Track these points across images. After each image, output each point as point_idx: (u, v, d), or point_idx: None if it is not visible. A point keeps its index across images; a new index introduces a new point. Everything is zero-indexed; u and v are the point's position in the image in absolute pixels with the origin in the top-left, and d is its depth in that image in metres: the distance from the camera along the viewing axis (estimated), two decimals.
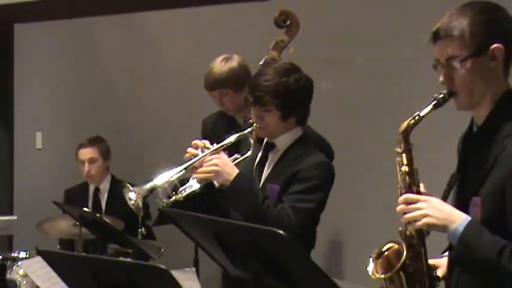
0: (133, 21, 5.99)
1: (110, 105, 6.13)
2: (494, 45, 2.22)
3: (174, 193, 3.14)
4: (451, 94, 2.26)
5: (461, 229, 2.18)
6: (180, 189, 3.14)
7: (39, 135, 6.62)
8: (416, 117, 2.28)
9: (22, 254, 4.25)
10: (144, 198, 3.11)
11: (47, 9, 6.41)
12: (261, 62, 3.61)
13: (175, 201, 3.12)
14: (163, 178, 3.12)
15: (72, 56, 6.40)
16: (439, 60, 2.26)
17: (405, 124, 2.29)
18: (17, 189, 6.84)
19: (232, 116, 3.94)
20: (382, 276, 2.31)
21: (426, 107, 2.27)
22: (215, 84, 3.85)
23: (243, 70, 3.87)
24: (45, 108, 6.57)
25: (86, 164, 4.97)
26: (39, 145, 6.63)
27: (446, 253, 2.43)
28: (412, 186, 2.30)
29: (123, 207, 4.69)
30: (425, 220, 2.20)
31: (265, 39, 4.72)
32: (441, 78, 2.27)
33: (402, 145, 2.31)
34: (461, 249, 2.20)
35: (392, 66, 4.48)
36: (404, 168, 2.31)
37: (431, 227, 2.23)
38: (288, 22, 3.96)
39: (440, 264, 2.41)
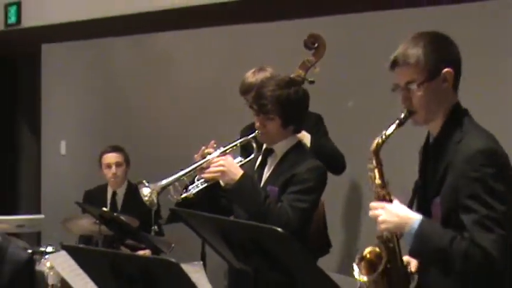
0: (147, 41, 5.98)
1: (126, 117, 6.12)
2: (445, 70, 2.31)
3: (184, 191, 3.14)
4: (410, 113, 2.33)
5: (415, 226, 2.23)
6: (190, 187, 3.15)
7: (63, 143, 6.65)
8: (383, 136, 2.34)
9: (49, 249, 4.23)
10: (158, 194, 3.11)
11: (71, 31, 6.46)
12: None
13: (186, 198, 3.12)
14: (175, 177, 3.12)
15: (93, 72, 6.41)
16: (398, 84, 2.34)
17: (375, 143, 2.35)
18: (44, 191, 6.88)
19: None
20: (366, 278, 2.35)
21: (390, 126, 2.34)
22: (249, 87, 3.71)
23: None
24: (68, 120, 6.61)
25: (113, 167, 4.85)
26: (63, 152, 6.66)
27: None
28: (385, 197, 2.34)
29: (137, 209, 4.68)
30: (382, 226, 2.29)
31: (270, 57, 4.71)
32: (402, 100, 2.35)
33: (374, 161, 2.36)
34: (417, 243, 2.23)
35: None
36: (378, 182, 2.35)
37: (389, 230, 2.31)
38: (316, 44, 3.95)
39: (411, 260, 2.45)
